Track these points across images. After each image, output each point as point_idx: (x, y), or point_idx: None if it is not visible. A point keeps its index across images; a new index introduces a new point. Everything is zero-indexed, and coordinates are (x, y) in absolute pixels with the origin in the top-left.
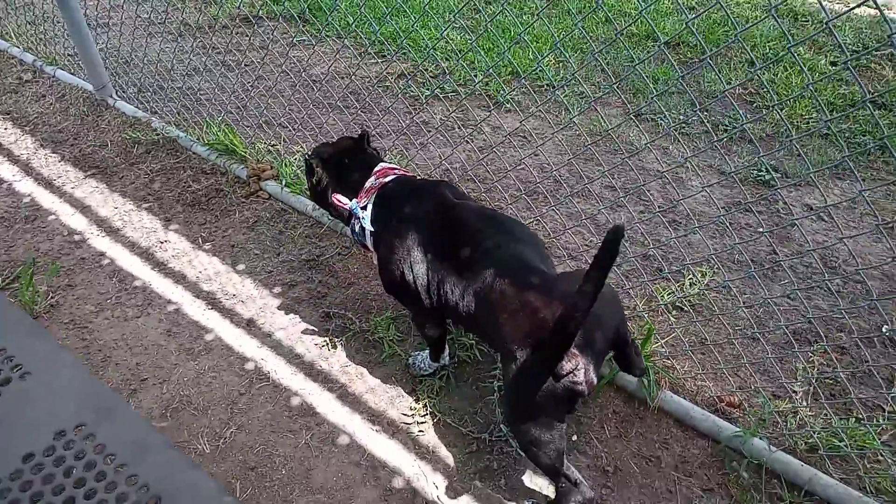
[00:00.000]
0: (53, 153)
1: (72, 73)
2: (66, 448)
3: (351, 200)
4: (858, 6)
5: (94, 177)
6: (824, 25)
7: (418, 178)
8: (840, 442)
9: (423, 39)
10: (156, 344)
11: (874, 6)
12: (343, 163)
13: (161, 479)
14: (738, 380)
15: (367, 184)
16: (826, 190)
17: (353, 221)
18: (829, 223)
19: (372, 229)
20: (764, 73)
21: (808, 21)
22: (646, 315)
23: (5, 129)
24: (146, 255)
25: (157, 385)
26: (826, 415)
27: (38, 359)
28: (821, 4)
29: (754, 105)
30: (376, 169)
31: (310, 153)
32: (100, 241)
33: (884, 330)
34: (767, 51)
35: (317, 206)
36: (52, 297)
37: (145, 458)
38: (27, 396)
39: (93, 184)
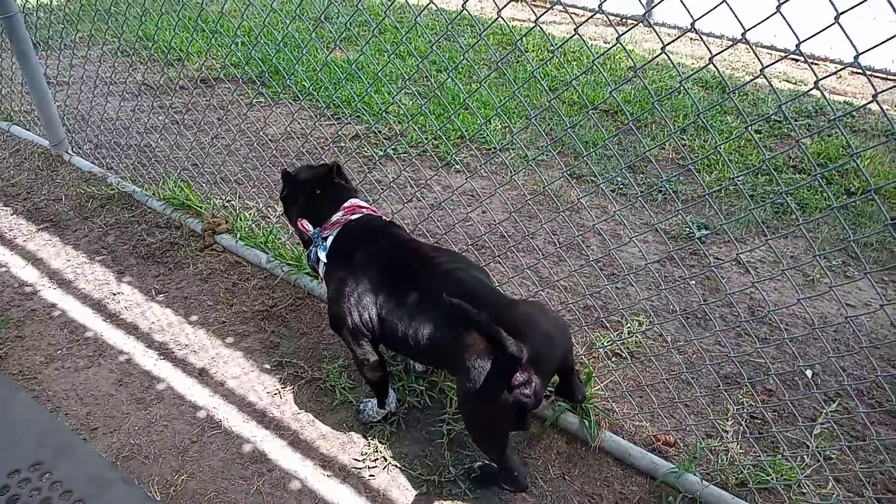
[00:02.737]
0: (5, 206)
1: (27, 129)
2: (20, 486)
3: (315, 228)
4: (756, 78)
5: (47, 230)
6: (727, 95)
7: (385, 218)
8: (767, 476)
9: (377, 103)
10: (106, 394)
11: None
12: (314, 191)
13: None
14: (673, 420)
15: (334, 217)
16: (752, 245)
17: (311, 248)
18: (755, 276)
19: (325, 261)
20: (694, 140)
21: (736, 94)
22: (586, 360)
23: None
24: (98, 306)
25: (108, 434)
26: (755, 452)
27: None
28: (720, 75)
29: (686, 168)
30: (346, 204)
31: (292, 170)
32: (51, 293)
33: (808, 374)
34: (696, 119)
35: (271, 259)
36: (0, 349)
37: (102, 494)
38: None
39: (45, 237)
